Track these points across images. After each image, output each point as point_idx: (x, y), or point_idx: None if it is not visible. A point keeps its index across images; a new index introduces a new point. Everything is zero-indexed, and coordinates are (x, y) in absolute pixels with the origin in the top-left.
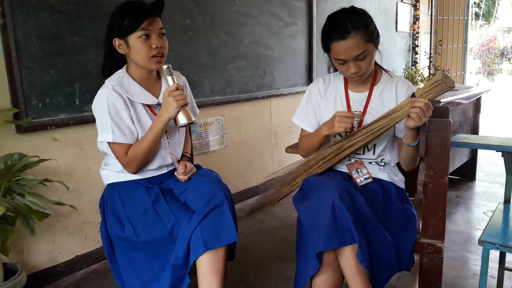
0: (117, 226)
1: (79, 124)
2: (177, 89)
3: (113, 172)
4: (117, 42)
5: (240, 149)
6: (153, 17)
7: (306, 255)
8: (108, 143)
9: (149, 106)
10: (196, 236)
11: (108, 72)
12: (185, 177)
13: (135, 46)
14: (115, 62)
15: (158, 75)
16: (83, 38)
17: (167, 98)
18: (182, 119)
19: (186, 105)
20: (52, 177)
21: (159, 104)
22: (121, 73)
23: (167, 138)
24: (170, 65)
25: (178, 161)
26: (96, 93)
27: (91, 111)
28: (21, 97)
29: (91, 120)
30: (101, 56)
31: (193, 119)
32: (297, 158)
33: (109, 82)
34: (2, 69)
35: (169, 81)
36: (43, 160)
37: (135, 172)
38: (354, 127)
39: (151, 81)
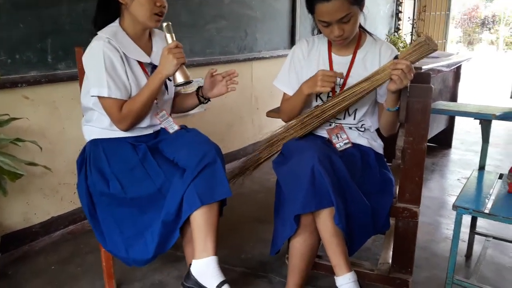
0: (101, 183)
1: (52, 83)
2: (176, 47)
3: (97, 129)
4: None
5: (220, 113)
6: None
7: (284, 217)
8: (101, 98)
9: (141, 64)
10: (190, 192)
11: (100, 25)
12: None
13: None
14: (109, 15)
15: (150, 35)
16: None
17: (167, 55)
18: (179, 78)
19: (184, 63)
20: (24, 136)
21: (150, 64)
22: (115, 27)
23: (156, 98)
24: (170, 23)
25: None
26: (70, 50)
27: (65, 69)
28: None
29: (65, 79)
30: (76, 11)
31: (191, 78)
32: (278, 122)
33: (104, 34)
34: None
35: (168, 39)
36: (14, 118)
37: (126, 130)
38: (336, 91)
39: (144, 40)
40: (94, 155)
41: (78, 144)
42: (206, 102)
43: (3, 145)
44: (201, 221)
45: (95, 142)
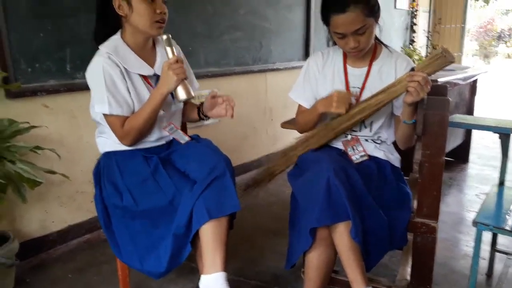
0: (114, 195)
1: (70, 92)
2: (177, 61)
3: (110, 141)
4: (117, 2)
5: (234, 124)
6: None
7: (300, 231)
8: (104, 114)
9: (144, 76)
10: (199, 205)
11: (101, 39)
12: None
13: (139, 8)
14: (109, 27)
15: (154, 44)
16: (74, 0)
17: (167, 71)
18: (181, 94)
19: (185, 78)
20: (43, 145)
21: (155, 75)
22: (116, 40)
23: (163, 110)
24: (170, 35)
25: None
26: (87, 59)
27: (82, 78)
28: (10, 61)
29: (83, 88)
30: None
31: (193, 94)
32: (292, 134)
33: (104, 49)
34: None
35: (168, 53)
36: (34, 127)
37: (130, 145)
38: (351, 103)
39: (147, 50)
40: (107, 168)
41: (96, 152)
42: (206, 120)
43: (23, 153)
44: (209, 236)
45: (108, 155)
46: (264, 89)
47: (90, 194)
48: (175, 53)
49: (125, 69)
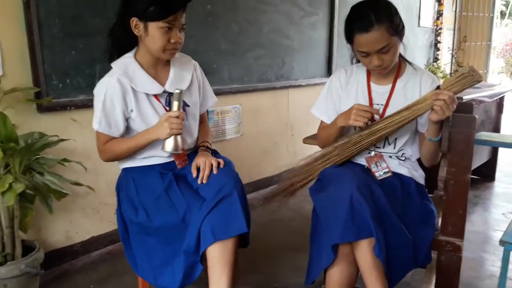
0: (131, 211)
1: None
2: (177, 117)
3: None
4: (134, 22)
5: (255, 139)
6: (181, 11)
7: (321, 246)
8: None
9: (155, 96)
10: (205, 226)
11: (115, 44)
12: (205, 179)
13: (154, 34)
14: (124, 35)
15: (168, 61)
16: (105, 20)
17: (163, 122)
18: (168, 146)
19: (179, 134)
20: (71, 157)
21: (165, 92)
22: (128, 58)
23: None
24: (183, 91)
25: (192, 151)
26: None
27: None
28: (42, 76)
29: None
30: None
31: (180, 150)
32: (313, 149)
33: (115, 68)
34: (25, 48)
35: (173, 106)
36: (62, 140)
37: (105, 161)
38: (375, 119)
39: (159, 67)
40: (125, 183)
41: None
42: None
43: (51, 165)
44: (215, 258)
45: (126, 171)
46: (286, 105)
47: (113, 206)
48: (180, 109)
49: (132, 88)
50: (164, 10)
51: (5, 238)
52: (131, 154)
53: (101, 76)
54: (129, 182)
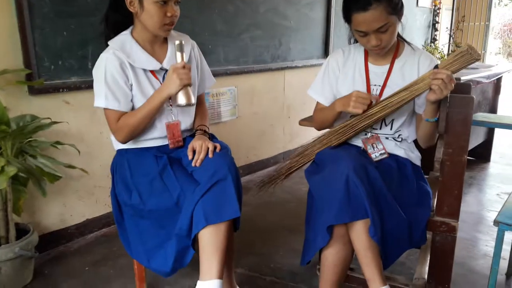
0: (125, 193)
1: (91, 88)
2: (183, 67)
3: None
4: None
5: (252, 121)
6: None
7: (316, 228)
8: (104, 109)
9: (151, 71)
10: (198, 210)
11: (111, 25)
12: (198, 162)
13: (150, 9)
14: (119, 15)
15: (165, 39)
16: (97, 0)
17: (171, 75)
18: (181, 99)
19: (189, 85)
20: (64, 140)
21: (162, 69)
22: (125, 35)
23: (170, 105)
24: (183, 41)
25: (189, 135)
26: None
27: None
28: (34, 58)
29: None
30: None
31: (193, 102)
32: (310, 131)
33: (112, 44)
34: (15, 30)
35: (177, 58)
36: (55, 122)
37: (123, 141)
38: (372, 101)
39: (157, 45)
40: (119, 165)
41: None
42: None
43: (43, 148)
44: (207, 241)
45: (121, 153)
46: (282, 87)
47: (107, 189)
48: (184, 59)
49: (130, 64)
50: None
51: None
52: (148, 121)
53: (93, 57)
54: (123, 164)
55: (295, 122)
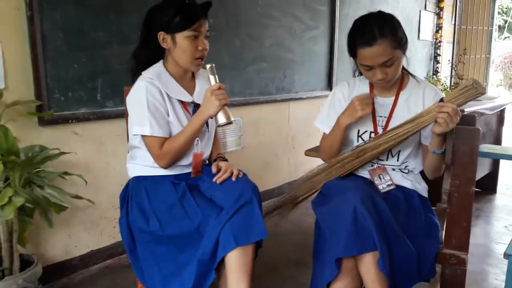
0: (141, 219)
1: (99, 119)
2: (219, 88)
3: (140, 166)
4: (162, 36)
5: (256, 151)
6: (204, 18)
7: (324, 260)
8: (143, 136)
9: (183, 103)
10: (226, 232)
11: (141, 62)
12: (220, 179)
13: (182, 44)
14: (150, 51)
15: (193, 75)
16: (108, 33)
17: (210, 96)
18: (221, 119)
19: (226, 104)
20: (71, 170)
21: (192, 103)
22: (158, 67)
23: (198, 138)
24: (214, 65)
25: (209, 161)
26: (117, 88)
27: (112, 106)
28: (45, 90)
29: (112, 116)
30: (125, 52)
31: (232, 120)
32: (314, 162)
33: (147, 74)
34: (27, 61)
35: (211, 80)
36: (64, 153)
37: (166, 167)
38: (378, 132)
39: (186, 79)
40: (136, 192)
41: (120, 179)
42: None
43: (51, 178)
44: (235, 263)
45: (137, 179)
46: (287, 118)
47: (113, 220)
48: (217, 81)
49: (167, 94)
50: (189, 18)
51: (3, 252)
52: (190, 144)
53: (102, 89)
54: (140, 190)
55: (300, 153)
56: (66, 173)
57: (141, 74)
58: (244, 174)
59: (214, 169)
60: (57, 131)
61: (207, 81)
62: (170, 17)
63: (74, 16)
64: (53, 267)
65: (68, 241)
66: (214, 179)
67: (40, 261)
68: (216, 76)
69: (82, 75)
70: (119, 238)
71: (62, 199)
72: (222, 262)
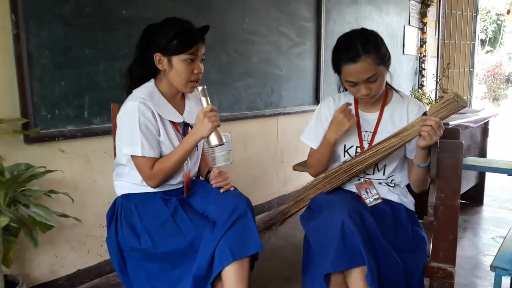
0: (132, 238)
1: (86, 137)
2: (211, 110)
3: (128, 183)
4: (158, 57)
5: (245, 166)
6: (201, 42)
7: (313, 276)
8: (133, 156)
9: (174, 123)
10: (222, 246)
11: (135, 78)
12: (223, 190)
13: (178, 67)
14: (144, 69)
15: (183, 95)
16: (94, 51)
17: (202, 118)
18: (214, 140)
19: (218, 126)
20: (58, 188)
21: (183, 122)
22: (150, 86)
23: (188, 158)
24: (205, 87)
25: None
26: (104, 105)
27: (99, 123)
28: (31, 108)
29: (99, 133)
30: (112, 68)
31: (224, 141)
32: (303, 176)
33: (139, 94)
34: (13, 80)
35: (203, 102)
36: (50, 171)
37: (155, 187)
38: (364, 147)
39: (177, 99)
40: (125, 210)
41: (108, 196)
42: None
43: (37, 197)
44: (232, 278)
45: (126, 197)
46: (275, 133)
47: (100, 239)
48: (209, 103)
49: (159, 115)
50: (187, 42)
51: None
52: (181, 165)
53: (89, 106)
54: (130, 208)
55: (289, 167)
56: (52, 191)
57: (132, 92)
58: (235, 189)
59: (215, 171)
60: (43, 149)
61: (196, 101)
62: (168, 39)
63: (60, 34)
64: (39, 287)
65: (54, 260)
66: (213, 183)
67: (25, 281)
68: (208, 98)
69: (68, 93)
70: (106, 256)
71: (48, 217)
72: (217, 276)
